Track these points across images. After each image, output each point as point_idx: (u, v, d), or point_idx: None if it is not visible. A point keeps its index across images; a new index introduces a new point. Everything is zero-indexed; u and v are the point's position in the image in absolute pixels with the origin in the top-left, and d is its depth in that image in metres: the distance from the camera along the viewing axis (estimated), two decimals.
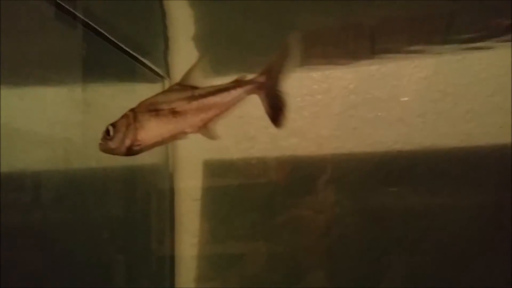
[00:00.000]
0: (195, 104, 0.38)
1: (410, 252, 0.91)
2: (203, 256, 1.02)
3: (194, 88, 0.39)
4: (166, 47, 0.90)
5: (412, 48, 0.94)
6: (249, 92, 0.38)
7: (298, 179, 0.99)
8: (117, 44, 0.63)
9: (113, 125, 0.40)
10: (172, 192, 0.95)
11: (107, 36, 0.60)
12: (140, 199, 0.82)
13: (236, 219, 1.03)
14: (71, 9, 0.54)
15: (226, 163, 1.04)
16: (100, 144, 0.41)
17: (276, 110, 0.38)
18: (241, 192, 1.03)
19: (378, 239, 0.93)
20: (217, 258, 1.03)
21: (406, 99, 0.94)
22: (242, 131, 1.03)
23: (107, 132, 0.40)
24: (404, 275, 0.91)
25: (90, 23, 0.56)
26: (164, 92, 0.43)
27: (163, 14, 0.88)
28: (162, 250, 0.90)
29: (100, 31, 0.58)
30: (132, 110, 0.41)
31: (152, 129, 0.39)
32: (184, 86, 0.39)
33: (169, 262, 0.89)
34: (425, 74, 0.93)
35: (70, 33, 0.55)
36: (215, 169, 1.05)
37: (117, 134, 0.39)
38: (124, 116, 0.41)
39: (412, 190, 0.91)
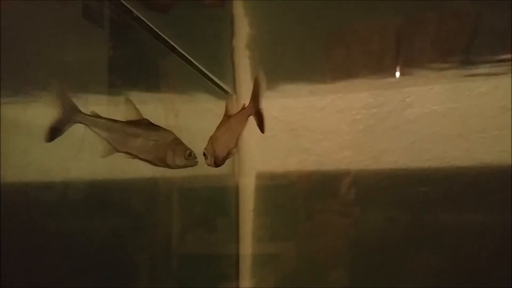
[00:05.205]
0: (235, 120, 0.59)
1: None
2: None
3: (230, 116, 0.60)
4: (233, 66, 0.94)
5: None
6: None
7: (352, 193, 1.00)
8: (195, 64, 0.68)
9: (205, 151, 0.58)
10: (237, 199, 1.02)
11: (185, 56, 0.65)
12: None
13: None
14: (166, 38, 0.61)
15: (280, 175, 1.06)
16: (206, 162, 0.59)
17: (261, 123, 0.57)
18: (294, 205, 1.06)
19: (433, 258, 0.94)
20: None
21: (465, 114, 0.93)
22: (296, 144, 1.05)
23: (204, 155, 0.58)
24: None
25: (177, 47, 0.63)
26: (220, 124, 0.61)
27: (232, 35, 0.92)
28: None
29: (182, 53, 0.64)
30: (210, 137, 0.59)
31: (224, 143, 0.59)
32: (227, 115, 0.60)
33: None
34: (485, 89, 0.92)
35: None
36: (268, 181, 1.07)
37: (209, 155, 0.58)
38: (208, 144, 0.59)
39: (472, 208, 0.91)
